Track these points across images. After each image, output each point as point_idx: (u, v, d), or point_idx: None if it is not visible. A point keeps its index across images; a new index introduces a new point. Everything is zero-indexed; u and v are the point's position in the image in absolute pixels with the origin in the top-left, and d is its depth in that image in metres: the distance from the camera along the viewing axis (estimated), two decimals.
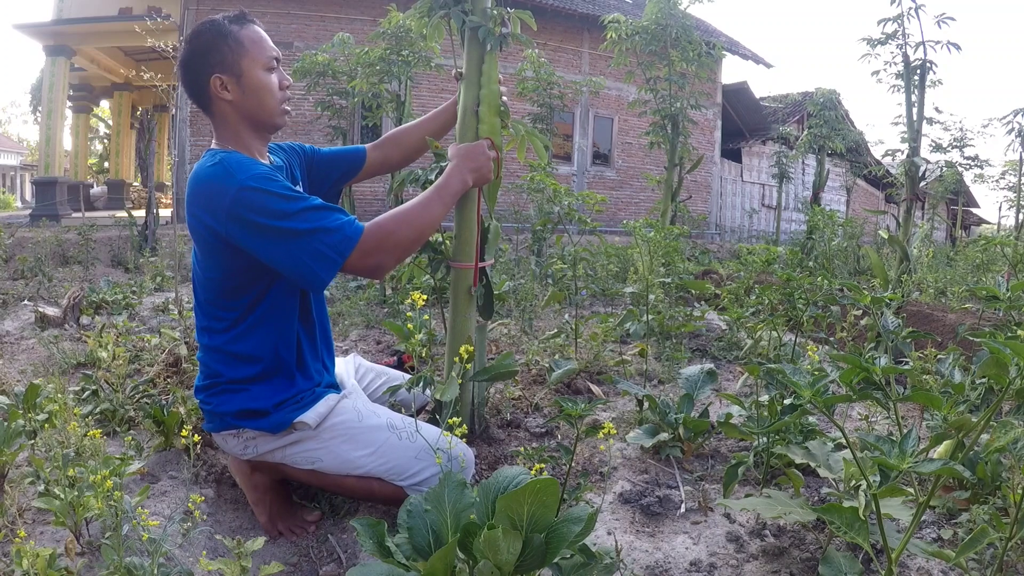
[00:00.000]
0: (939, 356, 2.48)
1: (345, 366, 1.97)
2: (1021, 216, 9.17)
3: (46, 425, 1.88)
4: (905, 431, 1.18)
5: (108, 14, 11.67)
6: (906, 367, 1.96)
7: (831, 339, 3.36)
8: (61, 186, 11.34)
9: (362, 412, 1.66)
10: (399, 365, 2.45)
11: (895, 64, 3.88)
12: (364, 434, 1.62)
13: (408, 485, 1.60)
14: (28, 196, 25.58)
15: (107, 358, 2.34)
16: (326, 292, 5.20)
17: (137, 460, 1.67)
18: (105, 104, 18.43)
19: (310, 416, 1.59)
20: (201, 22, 1.55)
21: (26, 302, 4.53)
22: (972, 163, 10.75)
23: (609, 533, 1.64)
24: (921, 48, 3.66)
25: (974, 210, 21.57)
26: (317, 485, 1.71)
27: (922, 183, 3.89)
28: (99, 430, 1.59)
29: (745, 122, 16.98)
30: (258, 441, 1.61)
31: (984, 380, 2.15)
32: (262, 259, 1.46)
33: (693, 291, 4.44)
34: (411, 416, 1.91)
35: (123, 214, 7.99)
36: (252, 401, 1.58)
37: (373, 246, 1.48)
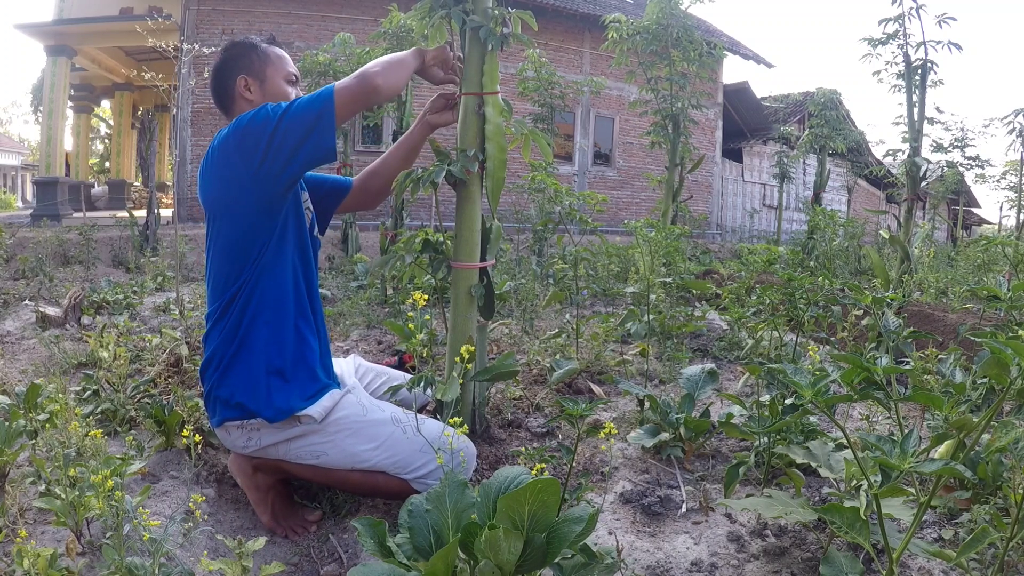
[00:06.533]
0: (940, 356, 2.47)
1: (345, 366, 1.98)
2: (1022, 216, 9.16)
3: (47, 425, 1.89)
4: (906, 431, 1.18)
5: (109, 14, 11.66)
6: (907, 367, 1.96)
7: (832, 339, 3.36)
8: (62, 186, 11.34)
9: (366, 406, 1.69)
10: (400, 365, 2.45)
11: (896, 64, 3.89)
12: (369, 428, 1.64)
13: (413, 479, 1.63)
14: (29, 196, 25.57)
15: (108, 358, 2.35)
16: (326, 291, 5.14)
17: (138, 460, 1.67)
18: (106, 104, 18.43)
19: (315, 410, 1.61)
20: (237, 37, 1.80)
21: (27, 302, 4.53)
22: (973, 163, 10.75)
23: (610, 533, 1.64)
24: (922, 48, 3.66)
25: (975, 210, 21.55)
26: (320, 482, 1.72)
27: (923, 183, 3.89)
28: (100, 430, 1.59)
29: (746, 122, 16.96)
30: (262, 433, 1.62)
31: (985, 380, 2.15)
32: (274, 149, 1.54)
33: (694, 291, 4.44)
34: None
35: (124, 214, 7.98)
36: (261, 357, 1.61)
37: (358, 81, 1.59)
